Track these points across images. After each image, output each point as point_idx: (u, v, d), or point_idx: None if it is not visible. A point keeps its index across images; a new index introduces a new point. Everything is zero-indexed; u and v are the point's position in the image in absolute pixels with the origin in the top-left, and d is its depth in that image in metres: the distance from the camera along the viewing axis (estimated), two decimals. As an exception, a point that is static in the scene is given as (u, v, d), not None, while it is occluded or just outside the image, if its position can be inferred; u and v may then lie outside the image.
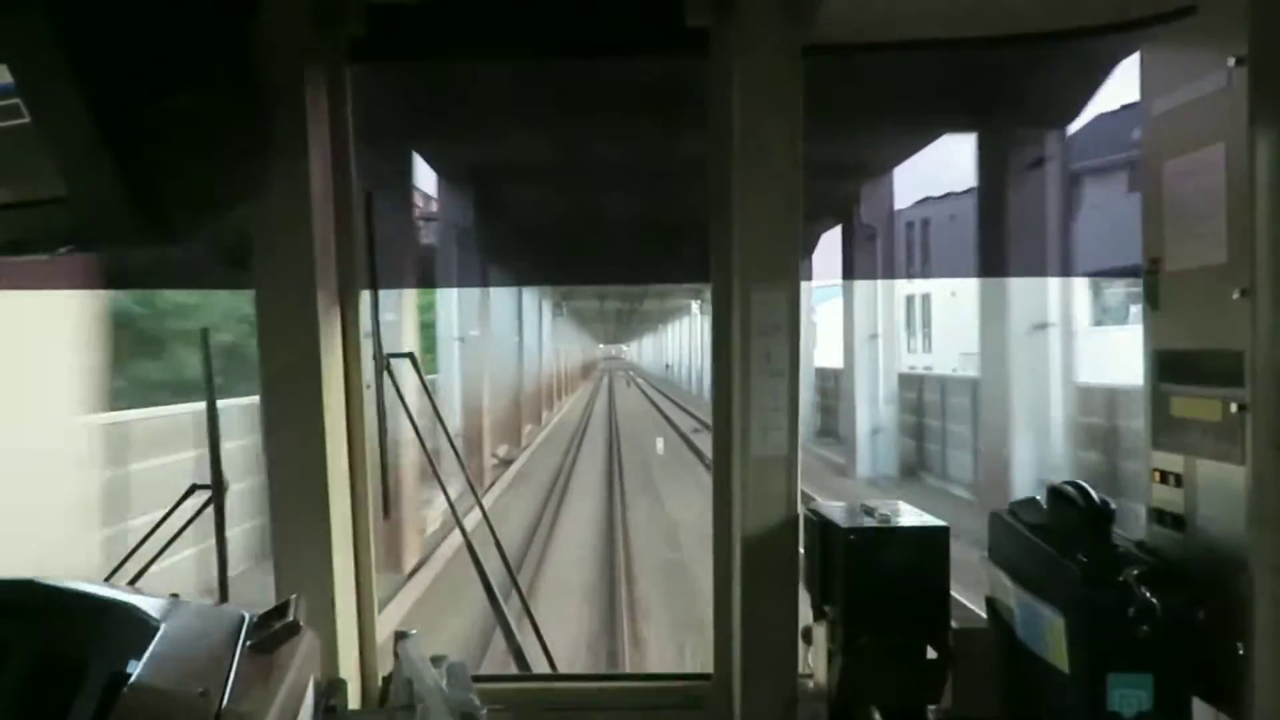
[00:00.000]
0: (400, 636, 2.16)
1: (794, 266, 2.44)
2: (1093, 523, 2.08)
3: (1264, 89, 1.84)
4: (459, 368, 19.42)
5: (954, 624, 2.28)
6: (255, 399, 2.44)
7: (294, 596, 1.81)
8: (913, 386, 21.54)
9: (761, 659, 2.49)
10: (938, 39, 2.60)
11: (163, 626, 1.64)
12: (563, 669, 2.97)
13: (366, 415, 2.64)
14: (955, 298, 26.44)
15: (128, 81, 1.66)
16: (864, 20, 2.46)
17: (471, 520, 3.02)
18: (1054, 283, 14.29)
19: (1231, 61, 1.88)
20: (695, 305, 45.97)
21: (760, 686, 2.48)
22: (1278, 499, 1.85)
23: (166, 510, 2.54)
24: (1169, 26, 2.17)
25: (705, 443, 12.77)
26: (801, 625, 2.48)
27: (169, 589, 1.92)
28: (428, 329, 18.44)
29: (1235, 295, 1.88)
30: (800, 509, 2.47)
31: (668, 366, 71.21)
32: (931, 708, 2.28)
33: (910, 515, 2.37)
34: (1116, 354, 12.68)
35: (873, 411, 21.15)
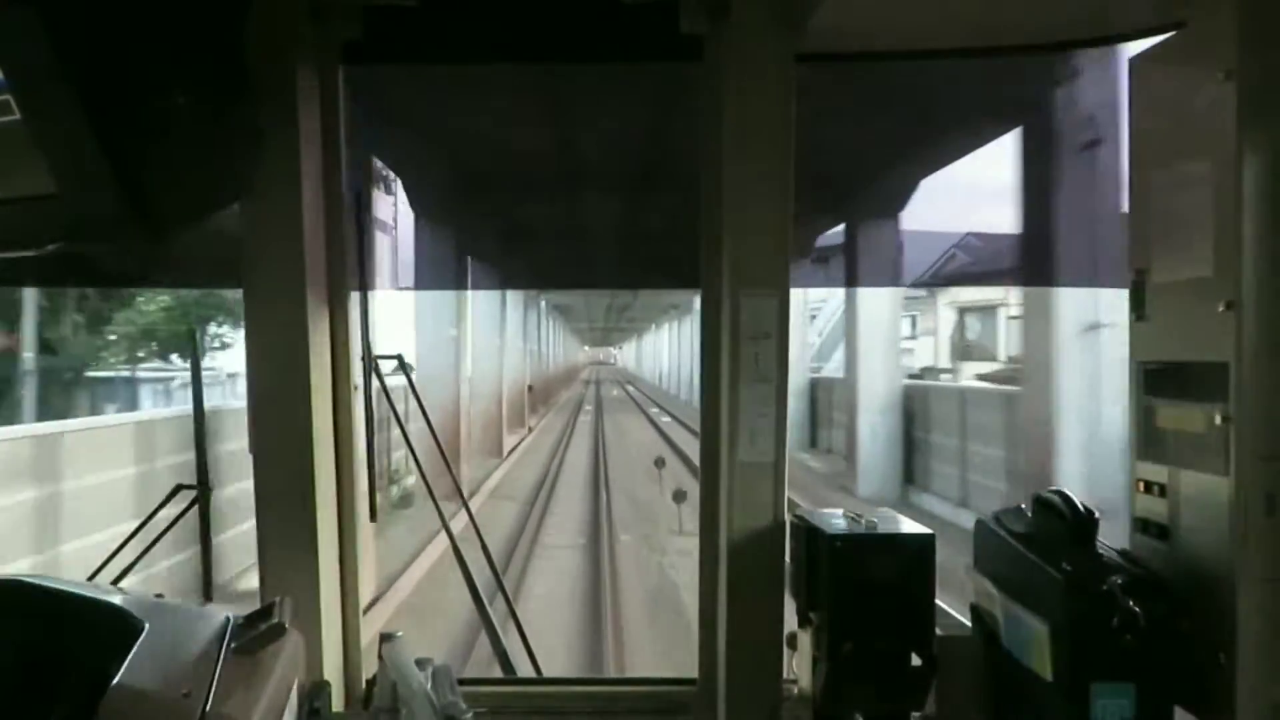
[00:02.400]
0: (385, 639, 2.15)
1: (784, 273, 2.45)
2: (1077, 532, 2.09)
3: (1252, 103, 1.86)
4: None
5: (939, 631, 2.29)
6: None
7: (279, 598, 1.81)
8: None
9: (746, 664, 2.49)
10: (930, 49, 2.62)
11: (146, 627, 1.63)
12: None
13: (354, 416, 2.63)
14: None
15: (119, 79, 1.66)
16: (858, 30, 2.48)
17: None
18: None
19: (1221, 76, 1.90)
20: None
21: (744, 692, 2.49)
22: (1261, 510, 1.86)
23: (151, 510, 2.54)
24: (1159, 40, 2.19)
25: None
26: (787, 631, 2.49)
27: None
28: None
29: (1220, 308, 1.90)
30: (787, 515, 2.47)
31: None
32: (915, 715, 2.29)
33: (896, 523, 2.38)
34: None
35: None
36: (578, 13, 2.59)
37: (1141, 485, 2.17)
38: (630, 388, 64.50)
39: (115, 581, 2.46)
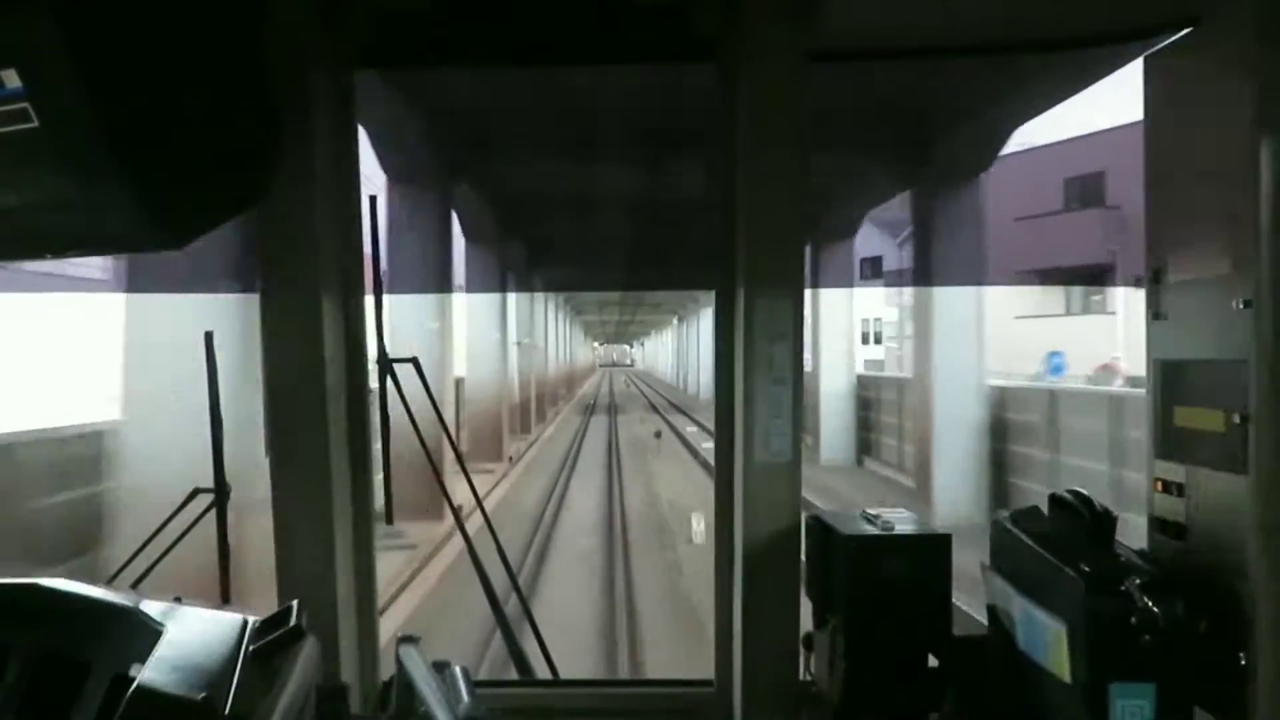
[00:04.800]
0: (402, 641, 2.16)
1: (798, 274, 2.45)
2: (1095, 532, 2.09)
3: (1269, 99, 1.85)
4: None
5: (955, 632, 2.28)
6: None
7: (296, 601, 1.82)
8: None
9: (763, 666, 2.49)
10: (944, 47, 2.61)
11: (165, 630, 1.64)
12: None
13: (370, 419, 2.64)
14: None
15: (135, 85, 1.67)
16: (871, 28, 2.47)
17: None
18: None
19: (1237, 72, 1.89)
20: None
21: (761, 693, 2.49)
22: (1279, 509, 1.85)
23: (169, 514, 2.55)
24: (1174, 36, 2.18)
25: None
26: (803, 632, 2.48)
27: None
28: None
29: (1238, 305, 1.89)
30: (802, 515, 2.47)
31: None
32: (932, 716, 2.28)
33: (913, 523, 2.37)
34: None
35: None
36: (589, 14, 2.59)
37: (1159, 485, 2.16)
38: (683, 420, 32.88)
39: (134, 585, 2.48)
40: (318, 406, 2.43)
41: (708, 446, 19.53)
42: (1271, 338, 1.85)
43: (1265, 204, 1.85)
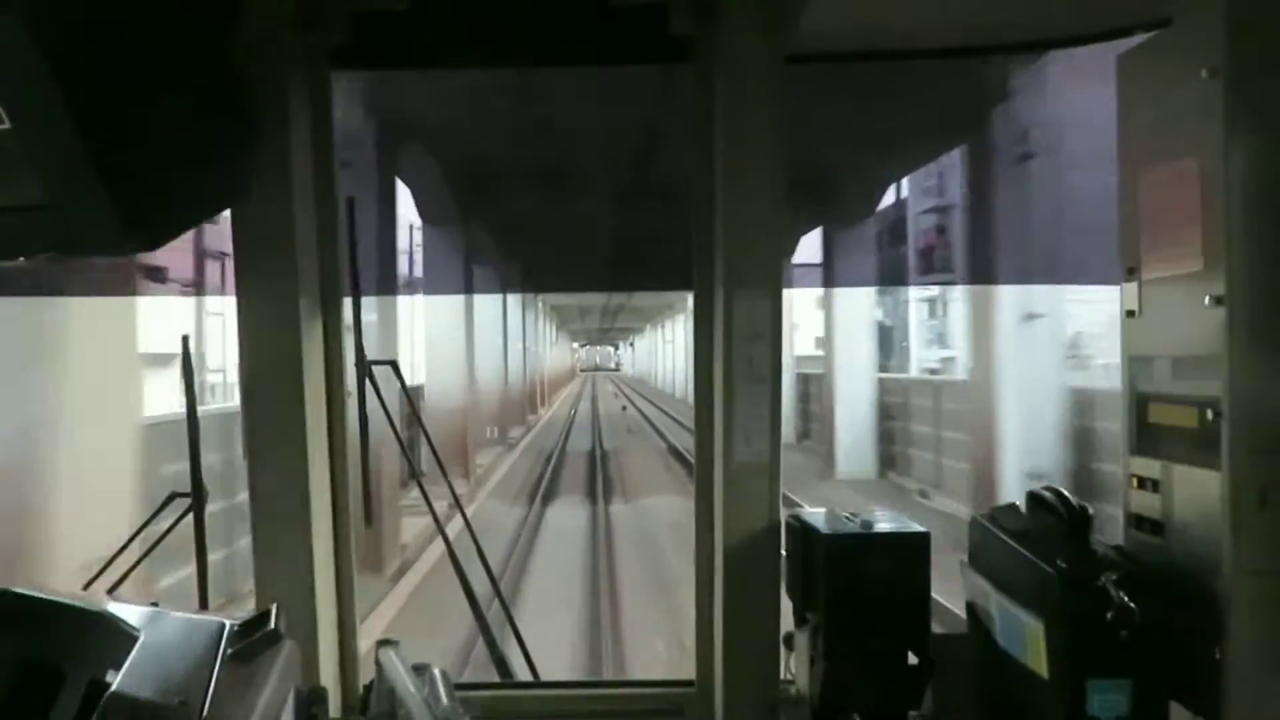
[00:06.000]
0: (382, 645, 2.15)
1: (777, 274, 2.46)
2: (1072, 528, 2.10)
3: (1238, 99, 1.87)
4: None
5: (935, 629, 2.29)
6: None
7: (274, 605, 1.81)
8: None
9: (743, 665, 2.49)
10: (919, 49, 2.63)
11: (142, 636, 1.63)
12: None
13: (348, 422, 2.63)
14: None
15: (109, 86, 1.65)
16: (847, 30, 2.49)
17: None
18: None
19: (1206, 72, 1.91)
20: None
21: (742, 693, 2.49)
22: (1254, 503, 1.87)
23: (146, 518, 2.53)
24: (1146, 37, 2.21)
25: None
26: (783, 631, 2.49)
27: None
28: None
29: (1207, 302, 1.91)
30: (782, 515, 2.48)
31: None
32: (912, 713, 2.29)
33: (892, 522, 2.38)
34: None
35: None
36: (566, 16, 2.59)
37: (1135, 481, 2.17)
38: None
39: (110, 591, 2.45)
40: (295, 408, 2.41)
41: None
42: (1243, 333, 1.87)
43: (1235, 201, 1.87)
